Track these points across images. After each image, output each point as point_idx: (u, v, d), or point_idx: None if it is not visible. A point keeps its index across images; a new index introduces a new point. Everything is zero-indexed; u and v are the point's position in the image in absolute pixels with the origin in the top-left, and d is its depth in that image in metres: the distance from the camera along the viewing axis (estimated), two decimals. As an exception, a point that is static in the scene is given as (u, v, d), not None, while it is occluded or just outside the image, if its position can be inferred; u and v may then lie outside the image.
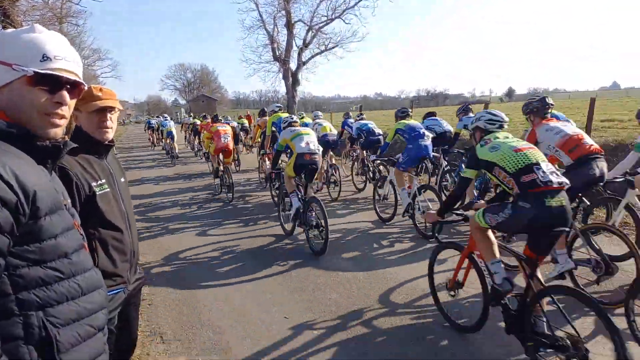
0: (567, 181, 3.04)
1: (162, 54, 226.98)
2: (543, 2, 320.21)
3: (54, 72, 1.22)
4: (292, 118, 6.82)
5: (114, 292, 2.06)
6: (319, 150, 6.18)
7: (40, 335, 1.13)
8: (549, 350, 2.84)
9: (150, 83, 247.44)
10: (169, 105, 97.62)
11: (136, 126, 49.85)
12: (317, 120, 10.30)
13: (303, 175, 6.09)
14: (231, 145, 9.76)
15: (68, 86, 1.27)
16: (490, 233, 3.37)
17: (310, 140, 6.13)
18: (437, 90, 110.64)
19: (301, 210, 5.88)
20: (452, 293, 3.78)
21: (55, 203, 1.21)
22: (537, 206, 2.91)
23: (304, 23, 31.20)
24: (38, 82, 1.20)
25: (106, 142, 2.13)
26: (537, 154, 3.16)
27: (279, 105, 10.20)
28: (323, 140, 9.02)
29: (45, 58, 1.21)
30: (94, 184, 2.00)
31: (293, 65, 31.57)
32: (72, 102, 1.30)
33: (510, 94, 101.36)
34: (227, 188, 9.22)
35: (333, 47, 31.62)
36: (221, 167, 9.56)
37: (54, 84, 1.23)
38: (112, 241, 2.05)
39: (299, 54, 31.44)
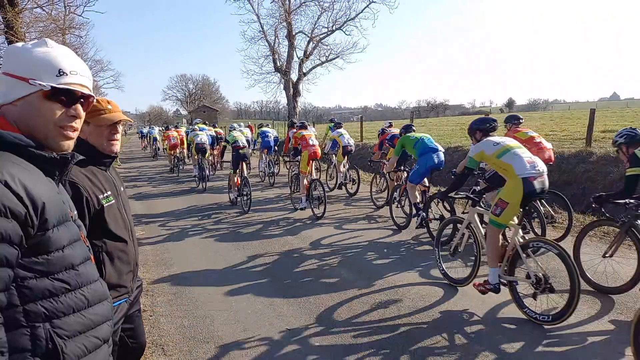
0: (248, 148, 10.02)
1: (164, 64, 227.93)
2: (546, 8, 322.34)
3: (70, 87, 1.25)
4: (196, 127, 15.31)
5: (118, 303, 2.06)
6: (206, 142, 13.09)
7: (47, 347, 1.13)
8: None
9: (152, 93, 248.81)
10: (170, 116, 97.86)
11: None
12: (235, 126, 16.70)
13: (201, 153, 12.70)
14: (178, 142, 16.86)
15: (82, 100, 1.29)
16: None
17: (202, 137, 13.05)
18: (437, 101, 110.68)
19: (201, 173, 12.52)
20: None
21: (63, 215, 1.22)
22: (236, 153, 9.34)
23: (305, 34, 31.59)
24: (54, 96, 1.23)
25: (113, 154, 2.15)
26: (242, 138, 9.67)
27: (199, 119, 17.48)
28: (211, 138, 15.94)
29: (61, 73, 1.24)
30: (101, 196, 2.01)
31: (294, 76, 31.80)
32: (83, 115, 1.32)
33: (510, 104, 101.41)
34: (177, 168, 16.74)
35: (334, 58, 31.99)
36: (172, 155, 17.17)
37: (69, 97, 1.26)
38: (117, 252, 2.06)
39: (300, 65, 31.69)
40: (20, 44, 1.27)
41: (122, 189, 2.23)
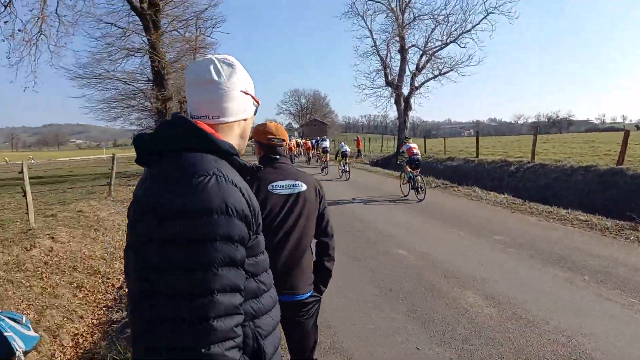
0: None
1: (279, 78, 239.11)
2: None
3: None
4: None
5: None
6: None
7: (253, 347, 1.17)
8: None
9: (268, 108, 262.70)
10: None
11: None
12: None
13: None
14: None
15: None
16: None
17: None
18: (559, 115, 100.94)
19: None
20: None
21: (261, 221, 1.28)
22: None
23: (418, 48, 31.00)
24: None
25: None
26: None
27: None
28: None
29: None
30: None
31: (405, 90, 31.40)
32: None
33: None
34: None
35: (447, 72, 30.66)
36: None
37: None
38: None
39: (412, 79, 31.15)
40: (235, 61, 1.33)
41: None
